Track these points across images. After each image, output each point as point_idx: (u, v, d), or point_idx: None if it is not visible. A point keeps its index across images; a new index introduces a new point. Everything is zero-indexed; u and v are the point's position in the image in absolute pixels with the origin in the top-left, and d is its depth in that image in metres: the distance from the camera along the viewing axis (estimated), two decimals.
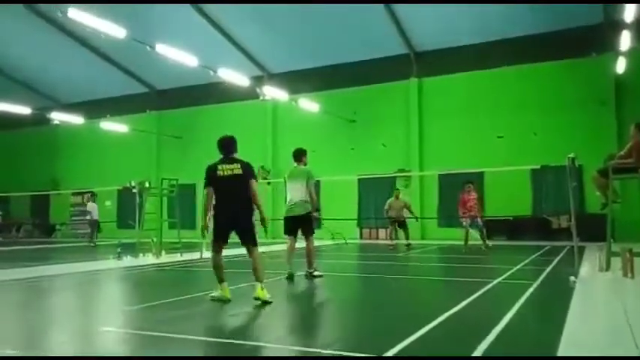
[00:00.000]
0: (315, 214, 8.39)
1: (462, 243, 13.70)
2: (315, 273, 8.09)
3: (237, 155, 6.18)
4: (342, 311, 5.96)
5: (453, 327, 4.67)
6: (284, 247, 8.52)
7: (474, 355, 3.52)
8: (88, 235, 19.31)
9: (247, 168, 6.07)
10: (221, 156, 6.16)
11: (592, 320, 4.82)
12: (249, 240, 6.08)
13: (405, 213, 15.39)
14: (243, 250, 6.33)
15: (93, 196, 19.58)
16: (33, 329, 4.94)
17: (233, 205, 5.97)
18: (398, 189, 16.17)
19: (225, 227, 6.02)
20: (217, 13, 20.43)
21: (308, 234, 8.16)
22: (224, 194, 5.96)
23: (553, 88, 18.57)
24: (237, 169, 5.98)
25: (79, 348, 4.22)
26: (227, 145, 6.18)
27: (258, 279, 5.90)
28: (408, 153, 20.77)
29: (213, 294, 6.06)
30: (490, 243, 14.01)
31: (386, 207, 15.35)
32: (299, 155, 8.40)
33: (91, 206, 19.13)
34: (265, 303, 5.70)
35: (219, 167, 6.00)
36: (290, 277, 7.91)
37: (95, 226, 19.06)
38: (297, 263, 8.28)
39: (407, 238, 15.06)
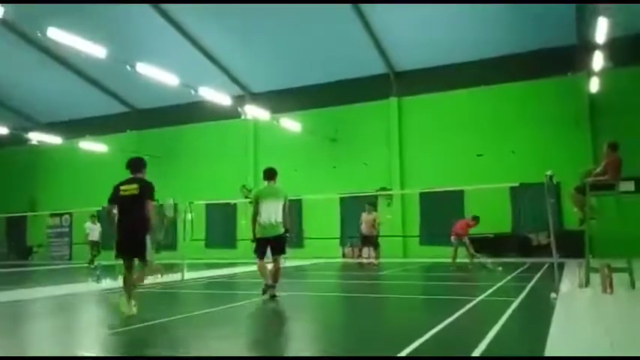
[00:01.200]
0: (287, 235, 8.19)
1: (450, 260, 14.04)
2: (276, 293, 7.86)
3: (140, 175, 6.61)
4: (321, 333, 5.91)
5: (436, 345, 4.67)
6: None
7: None
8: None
9: (145, 188, 6.44)
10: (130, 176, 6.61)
11: (573, 337, 4.87)
12: (139, 256, 6.39)
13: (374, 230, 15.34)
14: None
15: (93, 217, 18.88)
16: (11, 354, 4.80)
17: (128, 223, 6.37)
18: (369, 204, 16.14)
19: (122, 244, 6.40)
20: (198, 32, 20.52)
21: (278, 254, 8.01)
22: (122, 212, 6.43)
23: (530, 107, 18.97)
24: (135, 189, 6.40)
25: None
26: (132, 166, 6.66)
27: (128, 291, 6.31)
28: (389, 171, 20.92)
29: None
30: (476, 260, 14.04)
31: (360, 221, 15.38)
32: (271, 174, 8.27)
33: (90, 227, 18.57)
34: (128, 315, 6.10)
35: (122, 187, 6.49)
36: (270, 289, 7.82)
37: (94, 246, 18.28)
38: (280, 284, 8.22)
39: (371, 256, 14.95)
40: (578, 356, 2.78)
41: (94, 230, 18.36)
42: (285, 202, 8.05)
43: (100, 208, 18.70)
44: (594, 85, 16.71)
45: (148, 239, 6.36)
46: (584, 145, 17.72)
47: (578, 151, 17.52)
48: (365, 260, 15.09)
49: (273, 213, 7.93)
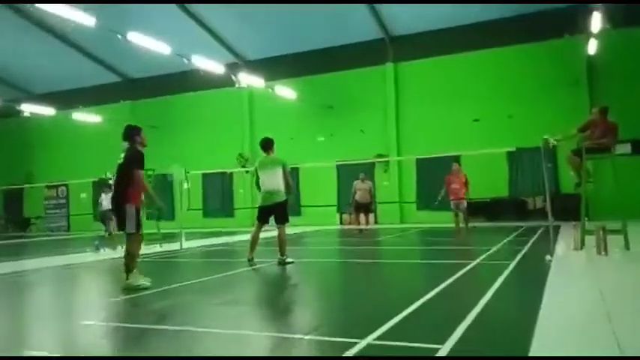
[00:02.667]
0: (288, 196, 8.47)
1: (453, 226, 13.34)
2: (287, 260, 8.16)
3: (128, 143, 6.52)
4: (321, 298, 5.99)
5: (432, 309, 4.74)
6: (268, 235, 8.51)
7: (454, 334, 3.58)
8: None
9: (131, 156, 6.38)
10: None
11: (568, 298, 4.94)
12: (122, 225, 6.35)
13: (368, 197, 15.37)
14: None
15: (104, 187, 18.66)
16: (12, 324, 4.85)
17: (114, 193, 6.48)
18: (363, 173, 16.11)
19: (110, 211, 6.62)
20: None
21: (282, 222, 8.23)
22: (115, 181, 6.52)
23: (527, 70, 18.78)
24: (121, 158, 6.43)
25: (60, 343, 4.16)
26: (123, 134, 6.62)
27: (126, 268, 6.25)
28: (385, 138, 20.85)
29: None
30: (471, 225, 14.05)
31: (353, 190, 15.33)
32: (268, 144, 8.46)
33: (103, 197, 18.49)
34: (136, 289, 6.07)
35: (120, 156, 6.52)
36: (250, 262, 8.11)
37: (106, 216, 18.20)
38: (269, 252, 8.30)
39: (367, 222, 15.13)
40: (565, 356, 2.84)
41: (105, 200, 18.08)
42: (284, 169, 8.22)
43: (97, 179, 18.66)
44: (592, 47, 16.52)
45: (130, 209, 6.23)
46: (581, 108, 17.55)
47: (576, 114, 17.27)
48: (363, 226, 15.23)
49: (271, 181, 8.15)
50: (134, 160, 6.31)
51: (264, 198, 8.22)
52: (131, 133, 6.54)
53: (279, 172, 8.17)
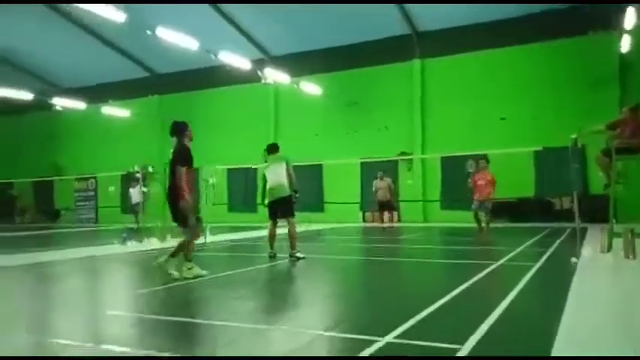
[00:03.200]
0: (297, 195, 8.73)
1: (476, 226, 12.90)
2: (298, 255, 8.35)
3: (175, 139, 6.64)
4: (342, 295, 6.01)
5: (453, 309, 4.72)
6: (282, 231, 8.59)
7: (474, 334, 3.56)
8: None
9: (176, 154, 6.49)
10: None
11: (592, 302, 4.85)
12: (177, 221, 6.52)
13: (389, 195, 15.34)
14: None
15: (133, 181, 19.00)
16: (43, 313, 5.01)
17: (168, 190, 6.60)
18: (381, 171, 16.05)
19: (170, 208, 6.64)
20: None
21: (289, 216, 8.49)
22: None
23: (557, 67, 18.42)
24: (170, 154, 6.58)
25: (88, 332, 4.28)
26: (171, 130, 6.71)
27: (185, 257, 6.50)
28: (410, 136, 20.71)
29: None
30: (491, 225, 13.72)
31: (373, 189, 15.37)
32: (274, 149, 8.95)
33: (131, 191, 18.92)
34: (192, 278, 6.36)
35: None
36: (272, 257, 8.38)
37: (134, 210, 18.57)
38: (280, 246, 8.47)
39: (390, 220, 15.16)
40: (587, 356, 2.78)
41: (135, 194, 18.34)
42: (287, 165, 8.56)
43: (125, 172, 19.00)
44: (625, 44, 16.09)
45: (184, 204, 6.37)
46: (612, 107, 17.12)
47: (606, 113, 16.87)
48: (386, 224, 15.22)
49: (276, 176, 8.52)
50: (178, 157, 6.48)
51: (269, 194, 8.56)
52: (179, 129, 6.68)
53: (283, 167, 8.51)
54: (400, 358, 3.30)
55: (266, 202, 8.64)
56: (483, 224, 12.88)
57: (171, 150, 6.62)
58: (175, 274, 6.42)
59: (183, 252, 6.52)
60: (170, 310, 5.04)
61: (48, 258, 9.55)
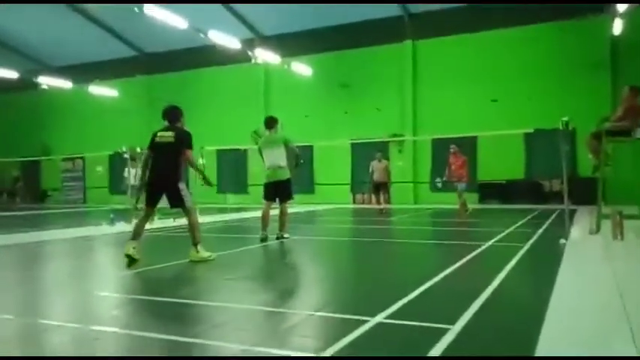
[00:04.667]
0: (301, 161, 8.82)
1: (461, 207, 13.44)
2: (285, 235, 8.40)
3: (179, 124, 6.54)
4: (333, 275, 6.01)
5: (446, 288, 4.73)
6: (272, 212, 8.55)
7: (465, 315, 3.57)
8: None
9: (182, 137, 6.37)
10: (166, 123, 6.54)
11: (581, 282, 4.89)
12: (178, 202, 6.38)
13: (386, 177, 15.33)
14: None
15: (133, 161, 18.68)
16: (29, 294, 4.95)
17: (161, 170, 6.32)
18: (379, 152, 16.02)
19: (152, 191, 6.38)
20: None
21: (285, 199, 8.42)
22: (156, 159, 6.36)
23: (548, 50, 18.40)
24: (170, 137, 6.34)
25: (76, 313, 4.23)
26: (168, 115, 6.56)
27: (192, 240, 6.34)
28: (401, 117, 20.66)
29: None
30: (470, 207, 13.76)
31: (370, 170, 15.31)
32: (271, 122, 8.61)
33: (126, 172, 18.60)
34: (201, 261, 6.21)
35: (159, 134, 6.43)
36: (264, 240, 8.18)
37: (131, 190, 18.27)
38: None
39: (385, 202, 15.28)
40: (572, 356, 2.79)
41: (130, 174, 18.09)
42: (287, 146, 8.39)
43: (114, 153, 18.74)
44: (617, 28, 16.06)
45: (184, 186, 6.33)
46: (603, 90, 17.24)
47: (597, 96, 17.08)
48: (382, 206, 15.26)
49: (274, 158, 8.33)
50: (187, 141, 6.39)
51: (267, 175, 8.41)
52: (179, 115, 6.60)
53: (282, 149, 8.31)
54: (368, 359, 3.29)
55: (263, 181, 8.52)
56: (461, 204, 13.46)
57: (170, 132, 6.37)
58: (207, 254, 6.38)
59: (194, 234, 6.36)
60: (160, 291, 5.00)
61: (35, 239, 9.45)
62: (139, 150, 14.10)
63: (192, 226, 6.38)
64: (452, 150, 13.68)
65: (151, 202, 6.45)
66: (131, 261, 5.86)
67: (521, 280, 5.30)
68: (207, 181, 6.82)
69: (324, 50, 21.68)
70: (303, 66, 20.13)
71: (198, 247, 6.36)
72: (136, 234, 6.16)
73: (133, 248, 5.92)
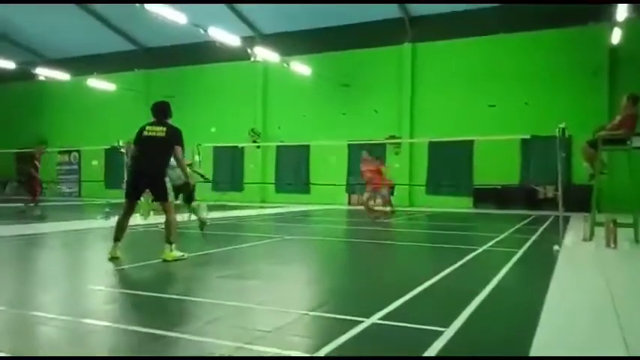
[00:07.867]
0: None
1: (437, 210, 12.93)
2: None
3: (169, 121, 6.43)
4: (329, 276, 6.01)
5: (439, 292, 4.75)
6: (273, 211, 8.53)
7: (459, 318, 3.58)
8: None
9: (174, 133, 6.31)
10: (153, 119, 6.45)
11: (574, 288, 4.91)
12: (162, 198, 6.34)
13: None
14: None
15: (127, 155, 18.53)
16: (21, 287, 4.93)
17: (149, 164, 6.24)
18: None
19: (134, 185, 6.35)
20: None
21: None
22: (143, 153, 6.27)
23: (547, 57, 18.48)
24: (161, 131, 6.27)
25: (68, 306, 4.22)
26: (158, 110, 6.47)
27: (167, 239, 6.13)
28: (399, 119, 20.70)
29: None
30: (389, 209, 13.10)
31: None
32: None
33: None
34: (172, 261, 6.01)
35: (147, 128, 6.34)
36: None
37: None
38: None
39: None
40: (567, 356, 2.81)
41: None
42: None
43: (110, 147, 18.70)
44: (616, 36, 16.15)
45: (168, 181, 6.29)
46: (600, 98, 17.33)
47: (594, 104, 17.17)
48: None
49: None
50: (178, 137, 6.31)
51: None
52: (168, 111, 6.50)
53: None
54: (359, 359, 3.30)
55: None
56: (377, 211, 12.71)
57: (160, 127, 6.30)
58: (180, 253, 6.22)
59: (172, 232, 6.19)
60: (152, 286, 5.00)
61: (28, 231, 9.41)
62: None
63: (170, 224, 6.21)
64: (364, 156, 12.76)
65: (133, 196, 6.42)
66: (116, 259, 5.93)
67: (515, 285, 5.32)
68: (204, 177, 6.82)
69: (323, 50, 21.68)
70: (302, 65, 20.12)
71: (173, 246, 6.16)
72: (120, 231, 6.20)
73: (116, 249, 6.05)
